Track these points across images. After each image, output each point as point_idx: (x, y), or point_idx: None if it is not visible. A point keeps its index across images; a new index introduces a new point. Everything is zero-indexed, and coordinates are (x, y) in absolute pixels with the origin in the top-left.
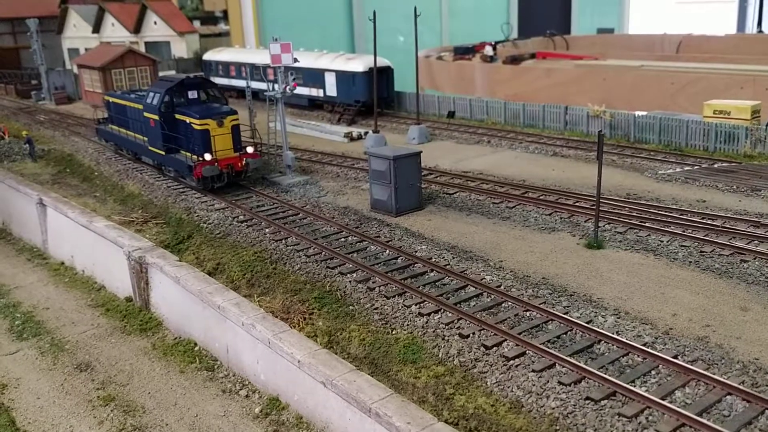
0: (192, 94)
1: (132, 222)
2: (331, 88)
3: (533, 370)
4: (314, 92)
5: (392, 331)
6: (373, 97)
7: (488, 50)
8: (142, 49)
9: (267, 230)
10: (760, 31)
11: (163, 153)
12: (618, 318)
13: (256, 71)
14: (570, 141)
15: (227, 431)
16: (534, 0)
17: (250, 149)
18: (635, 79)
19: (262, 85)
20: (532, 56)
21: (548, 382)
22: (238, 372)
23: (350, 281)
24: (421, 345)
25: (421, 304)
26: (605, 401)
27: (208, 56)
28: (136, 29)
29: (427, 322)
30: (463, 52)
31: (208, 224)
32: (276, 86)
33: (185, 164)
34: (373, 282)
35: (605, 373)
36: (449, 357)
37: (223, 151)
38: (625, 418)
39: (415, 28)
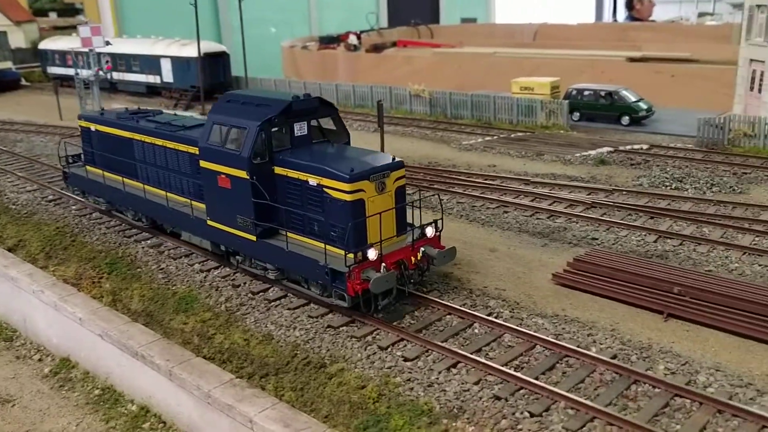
0: (299, 129)
1: None
2: (168, 74)
3: (288, 309)
4: (152, 79)
5: (172, 287)
6: (209, 82)
7: (352, 39)
8: None
9: (73, 207)
10: (615, 20)
11: (252, 238)
12: None
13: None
14: (393, 118)
15: (14, 391)
16: None
17: (429, 231)
18: (488, 65)
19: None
20: (394, 44)
21: (299, 317)
22: (35, 339)
23: (143, 247)
24: (196, 296)
25: (204, 263)
26: (344, 327)
27: (44, 45)
28: None
29: (205, 277)
30: (328, 42)
31: (16, 205)
32: (86, 71)
33: (321, 267)
34: (164, 246)
35: None
36: (218, 304)
37: (388, 240)
38: (355, 339)
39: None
